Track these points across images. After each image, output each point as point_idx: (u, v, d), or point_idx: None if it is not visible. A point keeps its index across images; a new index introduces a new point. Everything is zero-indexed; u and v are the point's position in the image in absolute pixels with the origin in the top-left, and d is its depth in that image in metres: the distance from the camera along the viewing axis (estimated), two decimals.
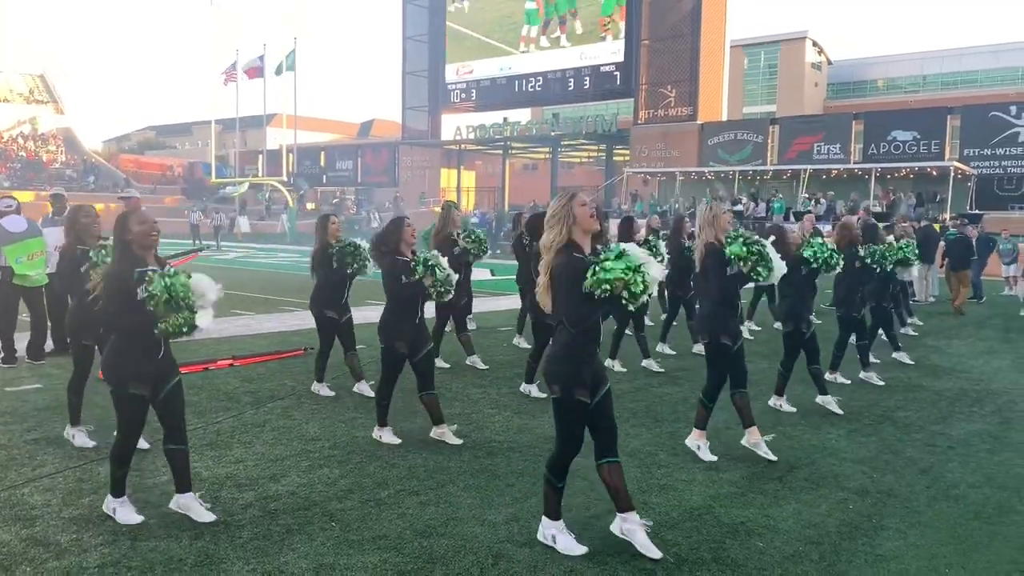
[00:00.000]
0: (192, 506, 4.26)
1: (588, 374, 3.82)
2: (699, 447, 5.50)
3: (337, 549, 3.90)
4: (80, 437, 5.54)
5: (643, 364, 8.47)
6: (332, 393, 7.06)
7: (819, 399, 6.87)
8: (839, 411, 6.74)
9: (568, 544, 3.91)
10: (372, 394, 7.03)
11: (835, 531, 4.25)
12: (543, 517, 4.02)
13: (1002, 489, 4.98)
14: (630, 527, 3.93)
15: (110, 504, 4.25)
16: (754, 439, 5.54)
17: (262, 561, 3.75)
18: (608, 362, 8.33)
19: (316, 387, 7.16)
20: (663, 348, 9.59)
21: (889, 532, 4.27)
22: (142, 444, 5.49)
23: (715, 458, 5.40)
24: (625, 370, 8.29)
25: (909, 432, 6.26)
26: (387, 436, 5.73)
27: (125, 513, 4.21)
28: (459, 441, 5.69)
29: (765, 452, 5.46)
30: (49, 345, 8.67)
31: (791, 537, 4.16)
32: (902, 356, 9.26)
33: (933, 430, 6.33)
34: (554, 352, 3.92)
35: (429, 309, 6.16)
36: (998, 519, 4.50)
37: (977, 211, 26.28)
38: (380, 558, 3.81)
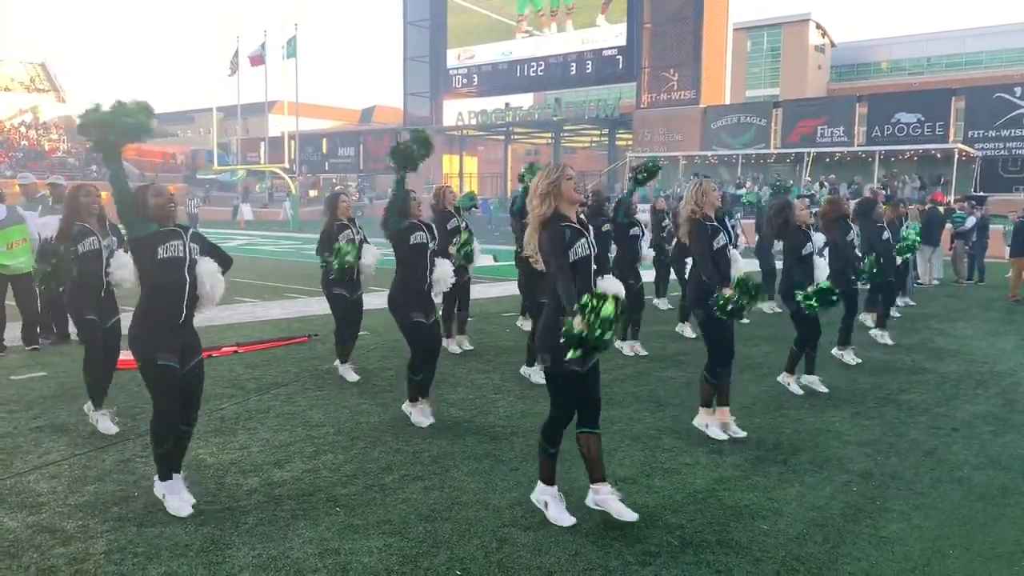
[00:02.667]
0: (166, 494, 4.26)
1: None
2: (707, 426, 5.49)
3: (342, 534, 3.91)
4: (104, 422, 5.47)
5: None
6: (357, 377, 7.07)
7: (791, 383, 6.89)
8: (824, 389, 6.81)
9: (558, 514, 4.02)
10: (353, 378, 7.10)
11: (839, 513, 4.26)
12: (538, 481, 4.14)
13: (1006, 471, 4.98)
14: (603, 498, 4.07)
15: (158, 489, 4.21)
16: (704, 420, 5.57)
17: (267, 546, 3.76)
18: (619, 343, 8.33)
19: (341, 369, 7.16)
20: (682, 329, 9.63)
21: (893, 514, 4.27)
22: (108, 428, 5.49)
23: (744, 433, 5.44)
24: (647, 353, 8.30)
25: (913, 414, 6.25)
26: (416, 415, 5.70)
27: (173, 502, 4.12)
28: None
29: (714, 433, 5.49)
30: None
31: (795, 519, 4.16)
32: (885, 336, 9.26)
33: (937, 412, 6.32)
34: (544, 324, 4.02)
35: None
36: (1002, 500, 4.50)
37: (982, 193, 26.19)
38: (384, 543, 3.82)
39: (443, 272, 5.86)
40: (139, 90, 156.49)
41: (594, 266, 4.03)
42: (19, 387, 6.78)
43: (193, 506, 4.18)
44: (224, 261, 4.51)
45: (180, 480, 4.27)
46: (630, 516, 4.00)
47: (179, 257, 4.15)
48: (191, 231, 4.29)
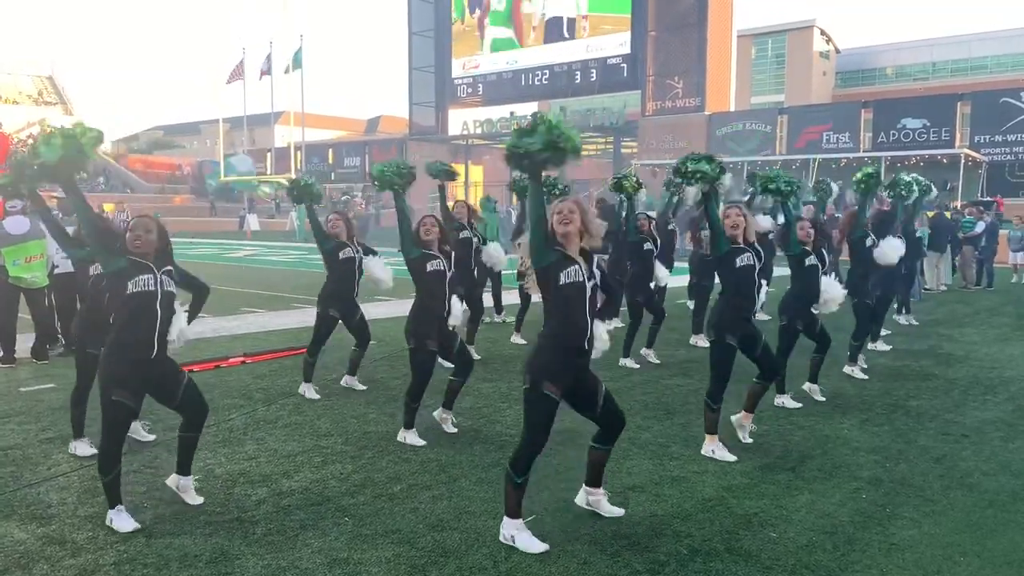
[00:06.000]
0: (189, 488, 4.44)
1: (563, 372, 3.88)
2: (713, 451, 5.32)
3: (351, 544, 3.92)
4: (82, 447, 5.31)
5: (641, 352, 8.44)
6: (318, 396, 6.82)
7: (805, 385, 6.87)
8: (821, 398, 6.78)
9: (528, 542, 3.86)
10: (361, 387, 7.09)
11: (849, 521, 4.24)
12: (504, 517, 3.96)
13: (1017, 476, 4.96)
14: (596, 499, 4.26)
15: (108, 516, 4.15)
16: (744, 421, 5.62)
17: (276, 556, 3.77)
18: (622, 361, 8.26)
19: (303, 388, 6.92)
20: (696, 341, 9.47)
21: (903, 521, 4.25)
22: (147, 436, 5.57)
23: (734, 458, 5.22)
24: (639, 366, 8.25)
25: (922, 421, 6.23)
26: (411, 438, 5.61)
27: (120, 521, 4.10)
28: (453, 430, 5.83)
29: (743, 436, 5.57)
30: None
31: (804, 527, 4.15)
32: (879, 344, 9.18)
33: (946, 418, 6.30)
34: (534, 345, 4.01)
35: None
36: (1013, 506, 4.48)
37: (988, 198, 26.14)
38: (393, 552, 3.82)
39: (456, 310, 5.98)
40: (146, 98, 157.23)
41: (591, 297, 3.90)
42: (28, 399, 6.80)
43: (202, 516, 4.22)
44: (200, 290, 4.79)
45: (190, 481, 4.47)
46: (617, 512, 4.24)
47: (150, 291, 4.10)
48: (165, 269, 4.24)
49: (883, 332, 9.51)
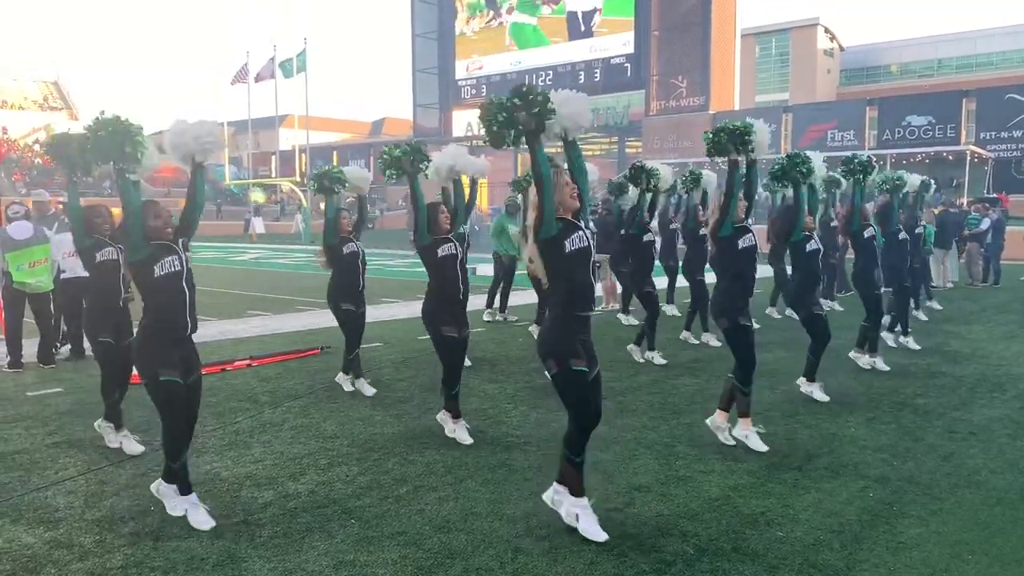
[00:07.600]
0: (168, 496, 4.33)
1: (580, 345, 3.94)
2: (746, 436, 5.38)
3: (357, 546, 3.92)
4: (128, 444, 5.37)
5: (645, 356, 8.43)
6: (374, 390, 6.99)
7: (804, 387, 6.77)
8: (824, 398, 6.66)
9: (590, 526, 3.93)
10: (350, 388, 7.11)
11: (855, 519, 4.23)
12: (564, 493, 4.04)
13: None
14: (560, 499, 4.10)
15: (180, 506, 4.20)
16: (719, 422, 5.56)
17: (282, 559, 3.77)
18: (649, 354, 8.29)
19: (359, 384, 7.05)
20: (687, 336, 9.55)
21: (910, 520, 4.24)
22: (136, 449, 5.39)
23: (766, 448, 5.30)
24: (665, 362, 8.25)
25: (929, 419, 6.20)
26: (461, 433, 5.59)
27: (196, 516, 4.13)
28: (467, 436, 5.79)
29: (724, 437, 5.50)
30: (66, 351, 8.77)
31: (811, 526, 4.14)
32: (908, 341, 9.09)
33: (953, 416, 6.27)
34: (546, 329, 4.03)
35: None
36: (1021, 504, 4.46)
37: (995, 195, 26.08)
38: (400, 554, 3.82)
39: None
40: (151, 104, 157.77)
41: (595, 261, 3.99)
42: (35, 403, 6.82)
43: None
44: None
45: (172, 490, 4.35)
46: (571, 524, 4.03)
47: (176, 271, 4.21)
48: (182, 240, 4.33)
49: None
